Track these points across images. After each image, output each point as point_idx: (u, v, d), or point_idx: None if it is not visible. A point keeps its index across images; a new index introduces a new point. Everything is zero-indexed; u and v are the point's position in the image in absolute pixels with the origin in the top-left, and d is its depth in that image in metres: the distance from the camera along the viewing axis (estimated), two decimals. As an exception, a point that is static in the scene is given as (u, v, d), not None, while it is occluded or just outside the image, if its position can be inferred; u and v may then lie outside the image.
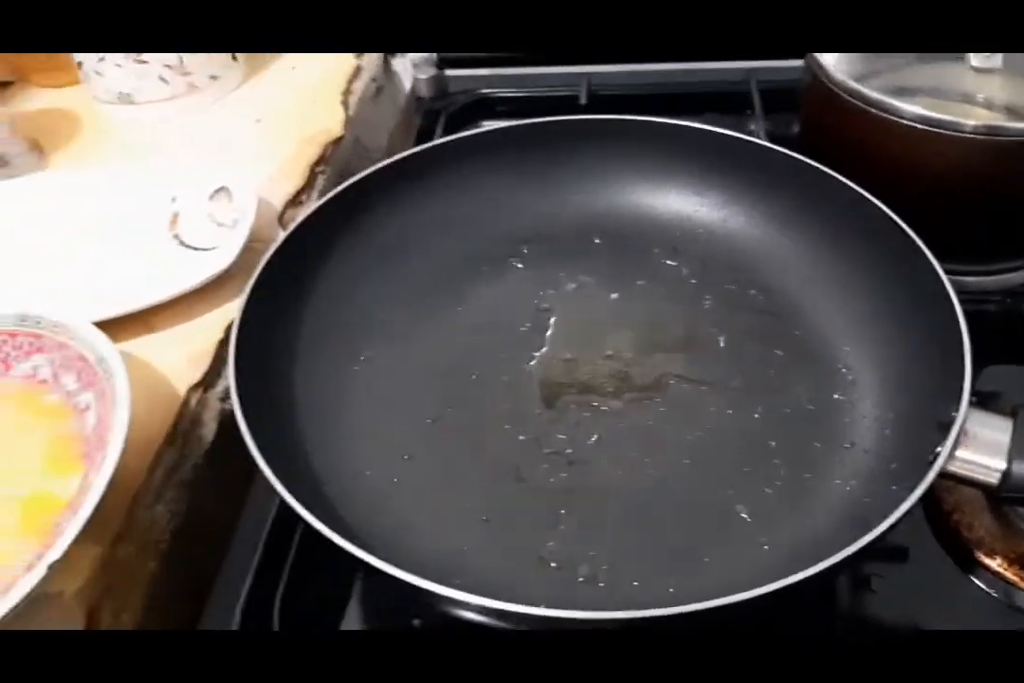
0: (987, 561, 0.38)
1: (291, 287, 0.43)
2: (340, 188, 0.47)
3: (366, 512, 0.35)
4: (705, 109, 0.70)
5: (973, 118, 0.49)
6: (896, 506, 0.30)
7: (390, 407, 0.41)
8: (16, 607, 0.30)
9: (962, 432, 0.33)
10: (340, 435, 0.39)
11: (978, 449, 0.33)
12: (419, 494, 0.38)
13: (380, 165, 0.49)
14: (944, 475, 0.33)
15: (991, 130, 0.47)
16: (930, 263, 0.39)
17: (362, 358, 0.44)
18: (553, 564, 0.35)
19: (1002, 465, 0.32)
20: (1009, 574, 0.38)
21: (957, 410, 0.33)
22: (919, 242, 0.40)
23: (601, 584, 0.34)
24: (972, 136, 0.47)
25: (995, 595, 0.38)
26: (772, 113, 0.66)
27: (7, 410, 0.41)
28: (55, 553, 0.31)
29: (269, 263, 0.42)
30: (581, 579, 0.35)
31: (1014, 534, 0.39)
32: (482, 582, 0.33)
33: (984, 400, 0.47)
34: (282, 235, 0.44)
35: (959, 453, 0.33)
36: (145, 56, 0.62)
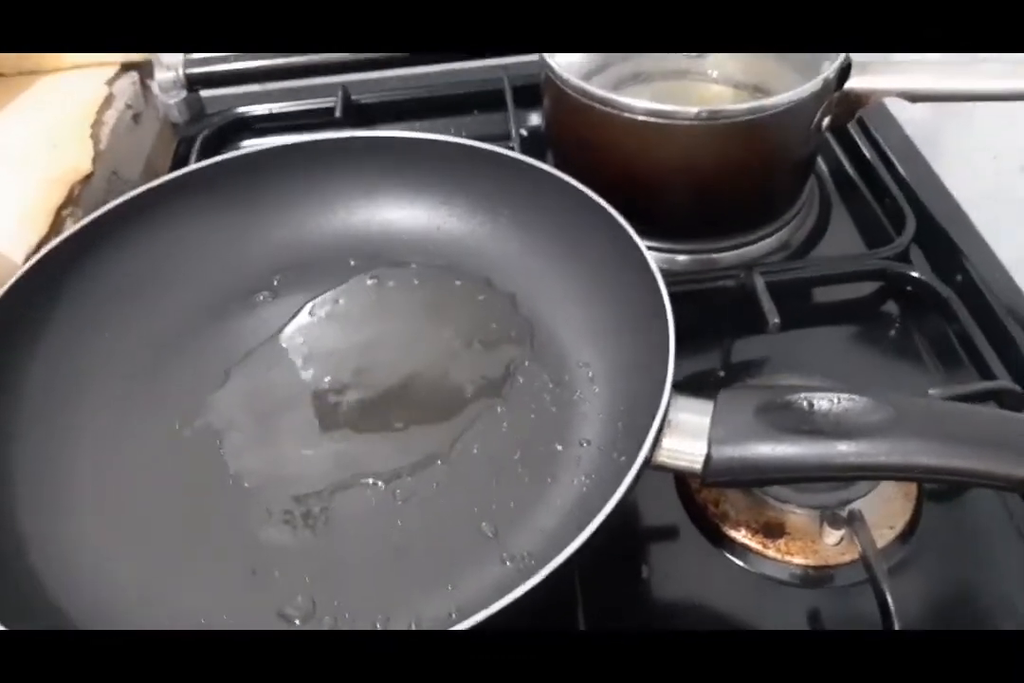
0: (733, 533, 0.40)
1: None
2: (50, 246, 0.44)
3: (89, 593, 0.34)
4: (472, 108, 0.70)
5: (700, 103, 0.51)
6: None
7: (122, 476, 0.39)
8: None
9: (666, 422, 0.34)
10: (63, 516, 0.37)
11: (682, 436, 0.34)
12: (149, 567, 0.36)
13: (103, 210, 0.46)
14: (655, 466, 0.34)
15: (713, 114, 0.49)
16: (640, 251, 0.40)
17: (89, 429, 0.41)
18: (297, 621, 0.34)
19: (703, 450, 0.33)
20: (753, 543, 0.40)
21: (660, 400, 0.34)
22: (629, 230, 0.40)
23: (343, 634, 0.34)
24: (695, 123, 0.49)
25: (745, 566, 0.40)
26: (534, 108, 0.67)
27: None
28: None
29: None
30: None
31: (755, 505, 0.41)
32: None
33: (734, 373, 0.49)
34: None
35: (665, 443, 0.33)
36: None
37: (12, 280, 0.42)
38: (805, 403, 0.33)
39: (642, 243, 0.41)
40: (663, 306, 0.38)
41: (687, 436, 0.34)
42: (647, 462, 0.33)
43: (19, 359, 0.42)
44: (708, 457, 0.33)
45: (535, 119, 0.67)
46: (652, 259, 0.40)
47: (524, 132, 0.65)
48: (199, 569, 0.36)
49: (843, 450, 0.31)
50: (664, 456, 0.34)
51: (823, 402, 0.33)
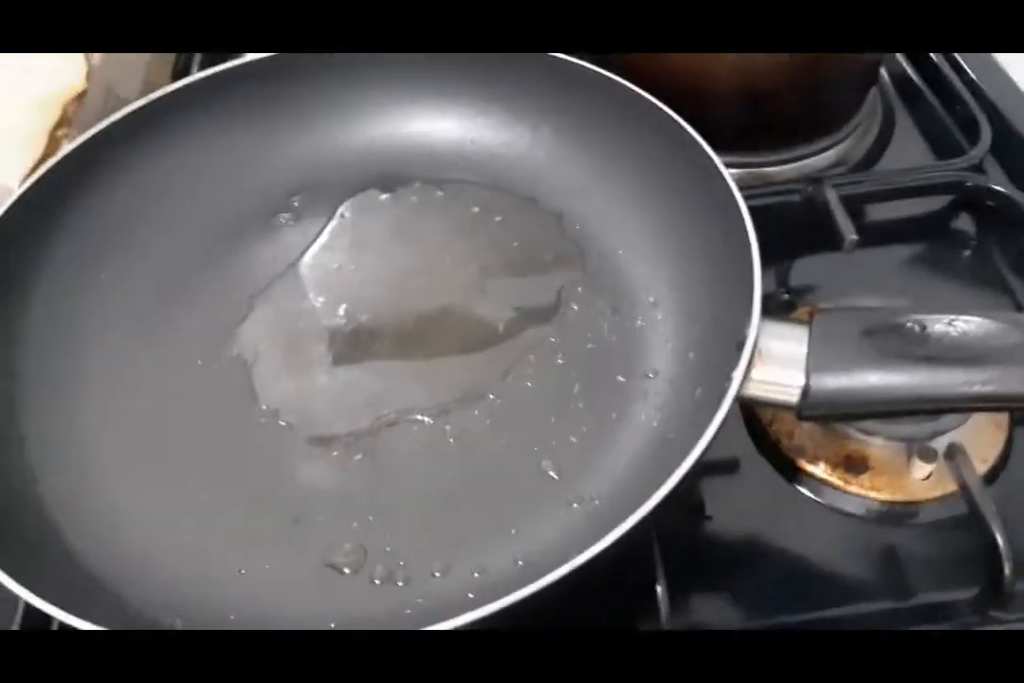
0: (811, 468, 0.37)
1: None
2: (46, 167, 0.40)
3: (116, 547, 0.31)
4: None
5: None
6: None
7: (143, 413, 0.36)
8: None
9: (756, 350, 0.30)
10: (78, 464, 0.34)
11: (775, 366, 0.30)
12: (181, 516, 0.33)
13: (101, 126, 0.42)
14: (745, 401, 0.30)
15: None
16: (708, 156, 0.35)
17: (102, 364, 0.38)
18: (346, 570, 0.31)
19: (801, 380, 0.30)
20: (834, 478, 0.37)
21: (748, 326, 0.30)
22: (694, 134, 0.36)
23: (400, 583, 0.31)
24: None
25: (821, 501, 0.37)
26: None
27: None
28: None
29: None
30: (377, 582, 0.31)
31: (835, 437, 0.37)
32: (265, 610, 0.29)
33: (799, 295, 0.46)
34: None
35: (755, 373, 0.30)
36: None
37: (6, 205, 0.38)
38: (916, 327, 0.29)
39: (709, 148, 0.36)
40: (740, 217, 0.34)
41: (780, 365, 0.30)
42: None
43: (19, 292, 0.38)
44: (806, 388, 0.29)
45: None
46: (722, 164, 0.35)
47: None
48: (235, 516, 0.33)
49: (969, 378, 0.27)
50: (753, 388, 0.30)
51: (938, 325, 0.29)
